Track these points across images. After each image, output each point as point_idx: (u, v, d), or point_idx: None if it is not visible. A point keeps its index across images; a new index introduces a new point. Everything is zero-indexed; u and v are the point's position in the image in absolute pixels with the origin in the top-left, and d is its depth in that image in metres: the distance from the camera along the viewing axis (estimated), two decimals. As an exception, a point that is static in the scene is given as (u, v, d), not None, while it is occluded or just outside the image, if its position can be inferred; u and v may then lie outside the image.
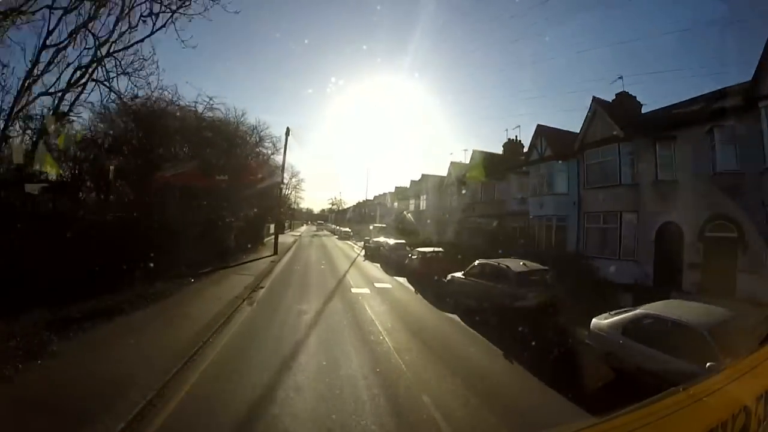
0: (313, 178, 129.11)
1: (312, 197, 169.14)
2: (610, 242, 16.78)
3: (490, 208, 24.25)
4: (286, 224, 59.73)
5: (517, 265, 10.36)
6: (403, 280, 15.85)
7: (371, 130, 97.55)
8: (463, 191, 27.87)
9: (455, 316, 10.15)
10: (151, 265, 12.89)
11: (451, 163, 29.69)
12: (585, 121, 18.59)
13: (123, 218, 13.35)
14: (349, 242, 43.18)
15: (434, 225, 32.48)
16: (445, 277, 14.36)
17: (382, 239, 26.35)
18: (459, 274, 12.04)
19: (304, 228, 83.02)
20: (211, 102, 14.21)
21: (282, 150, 24.66)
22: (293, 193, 65.29)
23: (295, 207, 75.43)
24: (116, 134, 12.58)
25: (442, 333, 8.68)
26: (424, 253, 16.08)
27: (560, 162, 20.01)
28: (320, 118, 79.94)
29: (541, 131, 20.97)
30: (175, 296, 10.79)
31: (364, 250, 28.78)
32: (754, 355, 1.95)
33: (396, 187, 46.93)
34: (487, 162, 26.21)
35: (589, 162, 18.30)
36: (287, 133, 24.20)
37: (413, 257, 16.90)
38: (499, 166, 25.31)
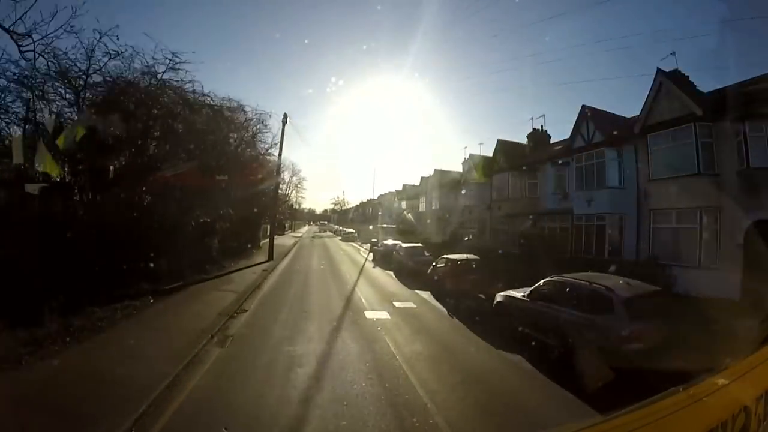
0: (316, 179, 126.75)
1: (314, 198, 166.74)
2: (686, 246, 13.43)
3: (520, 206, 20.82)
4: (286, 225, 56.50)
5: (618, 285, 6.95)
6: (426, 295, 12.46)
7: (374, 130, 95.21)
8: (484, 187, 24.45)
9: (523, 361, 6.77)
10: (104, 277, 9.76)
11: (470, 155, 26.32)
12: (648, 98, 15.26)
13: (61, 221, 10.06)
14: (353, 244, 39.92)
15: (449, 226, 29.09)
16: (485, 293, 11.07)
17: (391, 242, 23.04)
18: (517, 294, 8.66)
19: (305, 229, 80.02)
20: (175, 59, 10.76)
21: (280, 144, 21.42)
22: (294, 192, 62.33)
23: (297, 207, 72.64)
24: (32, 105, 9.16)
25: (526, 403, 5.27)
26: (454, 261, 12.67)
27: (613, 149, 16.70)
28: (322, 118, 77.81)
29: (588, 113, 17.54)
30: (113, 330, 7.43)
31: (371, 254, 25.47)
32: (754, 355, 1.85)
33: (404, 185, 43.56)
34: (514, 153, 22.83)
35: (654, 147, 14.98)
36: (284, 121, 20.93)
37: (438, 266, 13.53)
38: (529, 157, 21.90)
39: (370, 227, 52.52)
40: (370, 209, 63.19)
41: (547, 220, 19.17)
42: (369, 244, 31.10)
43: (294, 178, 60.18)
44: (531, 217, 19.88)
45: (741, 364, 1.82)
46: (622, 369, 5.39)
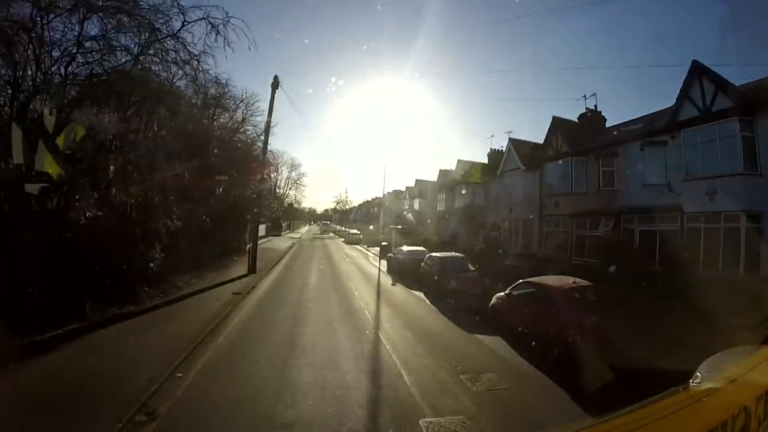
0: (317, 179, 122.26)
1: (316, 198, 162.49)
2: None
3: (591, 202, 15.54)
4: (284, 225, 51.15)
5: None
6: (504, 349, 7.17)
7: (376, 129, 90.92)
8: (529, 179, 19.16)
9: None
10: None
11: (509, 139, 20.96)
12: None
13: None
14: (358, 247, 34.68)
15: (480, 228, 23.80)
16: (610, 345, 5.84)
17: (407, 248, 17.82)
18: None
19: (305, 229, 74.83)
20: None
21: (268, 116, 16.16)
22: (293, 190, 57.25)
23: (296, 206, 67.48)
24: None
25: None
26: (557, 291, 7.30)
27: (745, 120, 11.64)
28: (322, 118, 73.43)
29: (701, 73, 12.25)
30: None
31: (385, 263, 20.21)
32: (754, 355, 1.84)
33: (417, 180, 38.26)
34: (573, 134, 17.54)
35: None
36: (275, 86, 15.64)
37: (516, 294, 8.22)
38: (601, 138, 16.61)
39: (371, 227, 47.71)
40: (375, 208, 57.94)
41: (637, 221, 13.87)
42: (378, 249, 25.93)
43: (293, 174, 55.24)
44: (610, 217, 14.60)
45: (741, 364, 1.77)
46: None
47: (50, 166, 4.14)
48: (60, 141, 4.44)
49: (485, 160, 26.58)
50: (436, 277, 12.13)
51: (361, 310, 9.54)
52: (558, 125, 17.85)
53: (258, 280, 12.86)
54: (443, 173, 31.25)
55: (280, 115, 77.67)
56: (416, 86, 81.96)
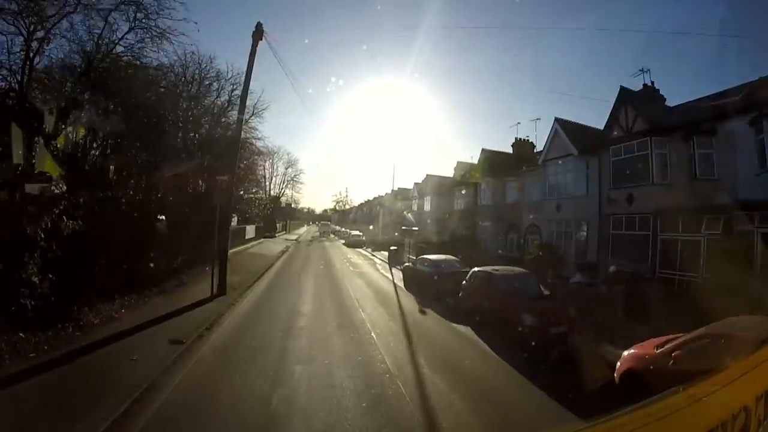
0: (317, 179, 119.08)
1: (316, 199, 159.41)
2: None
3: (680, 197, 11.44)
4: (279, 225, 46.93)
5: None
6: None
7: (378, 129, 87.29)
8: (582, 169, 15.08)
9: None
10: None
11: (556, 119, 16.79)
12: None
13: None
14: (362, 251, 30.65)
15: (513, 229, 19.72)
16: None
17: (434, 257, 13.75)
18: None
19: (303, 229, 70.54)
20: None
21: (247, 73, 12.01)
22: (290, 188, 53.23)
23: (294, 206, 63.35)
24: None
25: None
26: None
27: None
28: (323, 118, 69.55)
29: None
30: None
31: (398, 273, 16.23)
32: (755, 355, 1.83)
33: (427, 175, 33.95)
34: (649, 110, 13.45)
35: None
36: (256, 35, 11.49)
37: (678, 354, 4.21)
38: (691, 113, 12.55)
39: (371, 227, 44.14)
40: (377, 207, 53.99)
41: (758, 220, 9.78)
42: (387, 253, 21.92)
43: (289, 170, 51.28)
44: (716, 215, 10.52)
45: (741, 364, 1.74)
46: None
47: None
48: None
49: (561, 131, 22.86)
50: (495, 306, 8.00)
51: (391, 381, 5.33)
52: (627, 98, 13.72)
53: (224, 308, 8.62)
54: (461, 166, 27.13)
55: (276, 104, 73.72)
56: (417, 85, 78.93)
